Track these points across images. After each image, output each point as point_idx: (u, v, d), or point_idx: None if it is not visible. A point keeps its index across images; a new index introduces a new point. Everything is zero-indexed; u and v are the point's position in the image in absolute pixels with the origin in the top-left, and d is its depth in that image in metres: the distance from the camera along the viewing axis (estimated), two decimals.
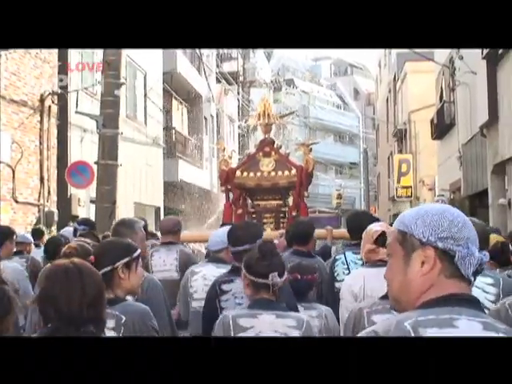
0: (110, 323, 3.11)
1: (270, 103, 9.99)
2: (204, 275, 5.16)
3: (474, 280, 1.77)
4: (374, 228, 4.13)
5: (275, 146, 9.50)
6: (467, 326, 1.67)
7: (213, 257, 5.37)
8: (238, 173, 9.25)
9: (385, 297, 2.98)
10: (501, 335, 1.68)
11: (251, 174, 9.21)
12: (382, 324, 1.80)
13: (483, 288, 3.53)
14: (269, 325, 3.37)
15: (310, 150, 9.36)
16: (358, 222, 5.12)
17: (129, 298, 3.57)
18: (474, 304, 1.74)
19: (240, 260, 4.02)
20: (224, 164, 9.40)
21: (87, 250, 4.19)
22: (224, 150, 10.00)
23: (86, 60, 14.84)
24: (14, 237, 6.72)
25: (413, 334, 1.66)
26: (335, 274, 5.28)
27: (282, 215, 9.28)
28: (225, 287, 4.28)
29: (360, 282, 4.00)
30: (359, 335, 1.84)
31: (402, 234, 1.81)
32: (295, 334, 3.37)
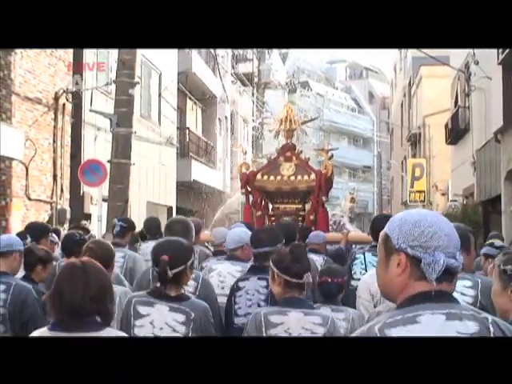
0: (181, 318, 3.58)
1: (293, 109, 10.19)
2: (219, 272, 5.41)
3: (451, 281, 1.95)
4: None
5: (296, 151, 9.74)
6: (429, 320, 1.87)
7: (229, 255, 5.62)
8: (259, 176, 9.48)
9: None
10: (465, 321, 1.86)
11: (271, 178, 9.45)
12: (362, 328, 2.02)
13: (461, 291, 3.64)
14: (297, 322, 3.59)
15: (331, 156, 9.58)
16: (379, 225, 5.27)
17: (191, 295, 3.97)
18: (442, 297, 1.92)
19: (259, 260, 4.65)
20: (245, 167, 9.64)
21: (105, 249, 4.32)
22: (245, 153, 10.47)
23: (101, 60, 14.89)
24: (50, 235, 6.72)
25: (379, 335, 1.86)
26: (352, 272, 5.69)
27: (300, 219, 9.44)
28: (240, 284, 4.69)
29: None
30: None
31: (385, 236, 2.03)
32: (320, 330, 3.60)
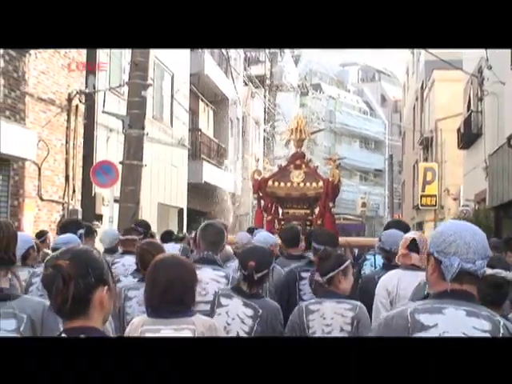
0: (250, 312, 4.16)
1: (303, 120, 10.76)
2: None
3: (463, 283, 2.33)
4: (408, 235, 4.75)
5: (305, 159, 10.35)
6: (452, 313, 2.26)
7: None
8: (270, 182, 10.01)
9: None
10: (481, 320, 2.23)
11: (282, 184, 9.99)
12: (394, 311, 2.42)
13: None
14: (330, 309, 4.20)
15: (338, 164, 10.25)
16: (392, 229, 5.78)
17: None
18: (464, 296, 2.30)
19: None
20: (257, 174, 10.17)
21: (159, 250, 4.65)
22: (258, 160, 10.98)
23: (113, 61, 14.93)
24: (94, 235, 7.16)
25: (409, 318, 2.26)
26: (361, 272, 6.13)
27: (308, 223, 9.95)
28: (304, 274, 5.43)
29: (394, 281, 4.57)
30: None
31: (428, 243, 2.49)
32: (349, 314, 4.18)
